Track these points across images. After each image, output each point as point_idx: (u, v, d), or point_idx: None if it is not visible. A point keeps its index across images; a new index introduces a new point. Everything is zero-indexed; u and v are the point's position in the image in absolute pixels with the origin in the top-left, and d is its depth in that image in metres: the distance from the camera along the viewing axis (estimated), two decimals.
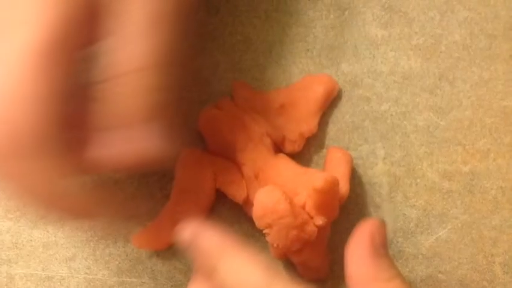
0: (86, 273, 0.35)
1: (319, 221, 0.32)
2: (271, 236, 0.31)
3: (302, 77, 0.37)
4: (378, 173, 0.37)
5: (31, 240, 0.36)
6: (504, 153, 0.37)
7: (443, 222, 0.36)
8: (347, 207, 0.36)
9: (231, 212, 0.36)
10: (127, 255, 0.35)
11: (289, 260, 0.34)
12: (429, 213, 0.36)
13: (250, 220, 0.35)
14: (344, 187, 0.34)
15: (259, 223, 0.32)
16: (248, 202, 0.34)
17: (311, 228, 0.32)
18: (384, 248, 0.29)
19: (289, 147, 0.36)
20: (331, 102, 0.37)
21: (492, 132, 0.37)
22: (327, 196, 0.32)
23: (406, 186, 0.36)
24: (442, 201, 0.36)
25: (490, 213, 0.36)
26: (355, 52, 0.38)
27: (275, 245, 0.32)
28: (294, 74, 0.38)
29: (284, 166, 0.34)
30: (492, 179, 0.37)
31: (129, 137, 0.27)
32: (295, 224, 0.31)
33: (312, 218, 0.32)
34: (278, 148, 0.35)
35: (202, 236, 0.29)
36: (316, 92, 0.36)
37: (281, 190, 0.31)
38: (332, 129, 0.37)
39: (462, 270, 0.35)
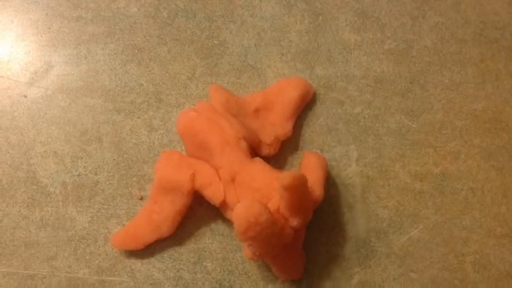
0: (67, 272, 0.35)
1: (294, 222, 0.32)
2: (253, 247, 0.31)
3: (277, 81, 0.38)
4: (351, 174, 0.37)
5: (13, 240, 0.36)
6: (474, 154, 0.38)
7: (415, 222, 0.36)
8: (321, 208, 0.36)
9: (208, 212, 0.36)
10: (107, 255, 0.36)
11: (264, 261, 0.35)
12: (401, 213, 0.37)
13: (226, 220, 0.35)
14: (318, 191, 0.34)
15: (242, 237, 0.30)
16: (225, 204, 0.34)
17: (288, 231, 0.32)
18: None
19: (265, 150, 0.36)
20: (306, 105, 0.38)
21: (462, 134, 0.38)
22: (297, 193, 0.31)
23: (379, 187, 0.37)
24: (413, 201, 0.37)
25: (460, 213, 0.37)
26: (329, 56, 0.39)
27: (257, 253, 0.31)
28: (269, 78, 0.38)
29: (259, 171, 0.34)
30: (463, 180, 0.37)
31: None
32: (276, 231, 0.31)
33: (286, 219, 0.32)
34: (254, 151, 0.36)
35: None
36: (291, 96, 0.37)
37: (258, 200, 0.30)
38: (306, 132, 0.38)
39: (434, 269, 0.36)
